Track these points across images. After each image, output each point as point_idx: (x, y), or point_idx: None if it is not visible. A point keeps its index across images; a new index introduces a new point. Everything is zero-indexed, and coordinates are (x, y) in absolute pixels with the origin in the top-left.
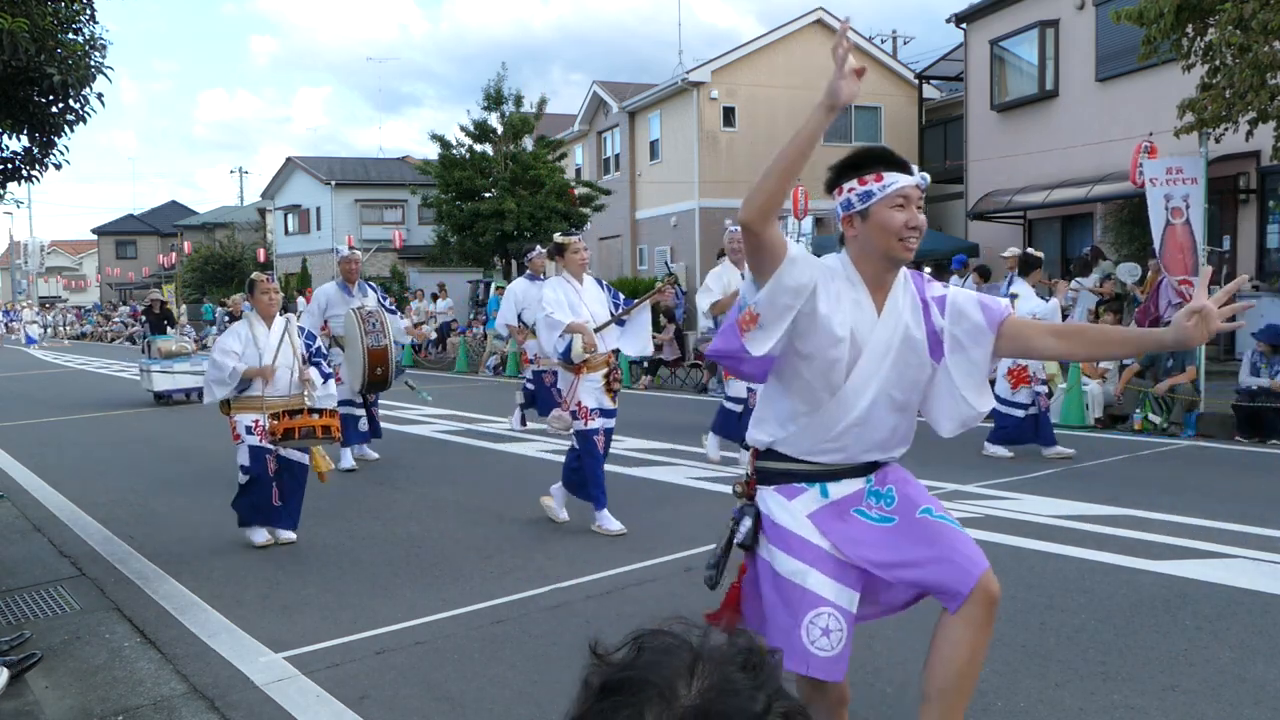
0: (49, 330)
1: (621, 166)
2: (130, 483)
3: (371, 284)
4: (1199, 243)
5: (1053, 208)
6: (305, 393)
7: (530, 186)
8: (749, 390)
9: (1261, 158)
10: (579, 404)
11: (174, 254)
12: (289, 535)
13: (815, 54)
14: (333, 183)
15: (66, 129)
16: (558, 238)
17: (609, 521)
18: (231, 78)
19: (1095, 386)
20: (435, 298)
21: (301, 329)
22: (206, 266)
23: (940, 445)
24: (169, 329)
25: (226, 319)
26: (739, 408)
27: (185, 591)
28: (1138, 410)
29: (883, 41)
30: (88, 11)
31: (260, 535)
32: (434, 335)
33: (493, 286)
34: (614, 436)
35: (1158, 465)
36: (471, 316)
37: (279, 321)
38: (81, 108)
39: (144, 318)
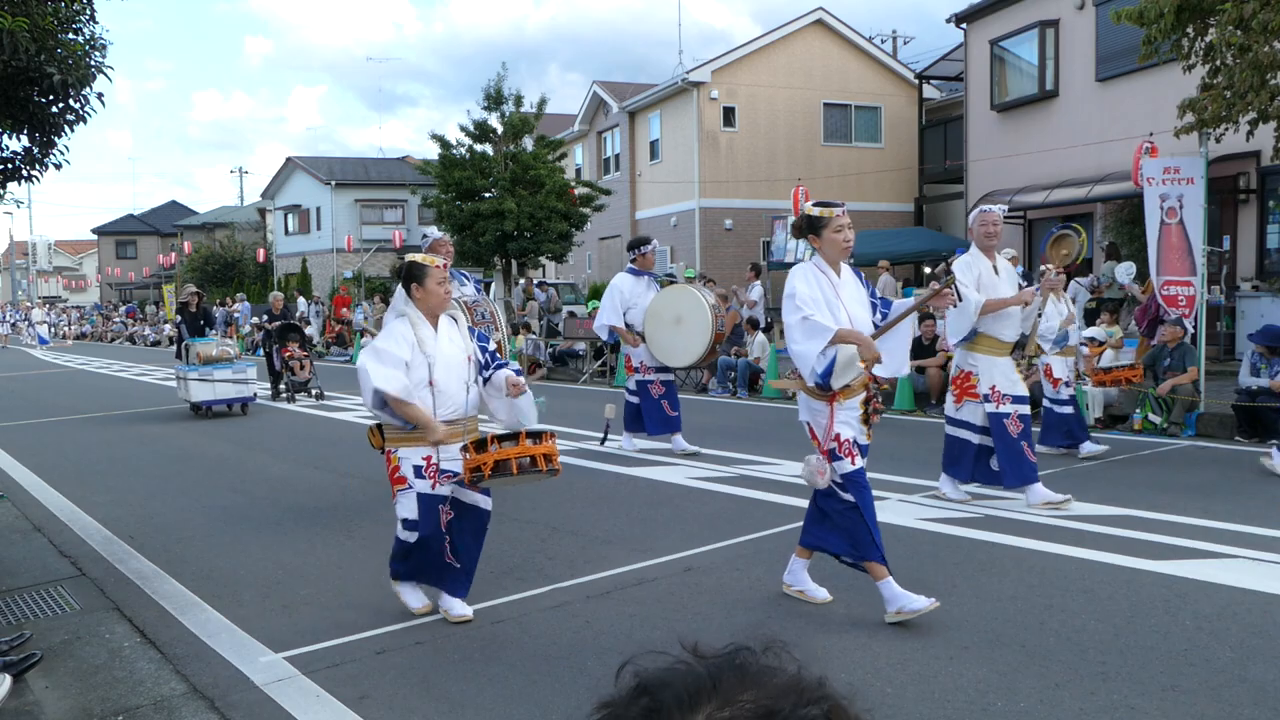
0: (53, 330)
1: (621, 166)
2: (130, 483)
3: (464, 272)
4: (1195, 243)
5: (1053, 208)
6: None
7: (530, 186)
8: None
9: (1261, 158)
10: (837, 437)
11: (174, 254)
12: (462, 609)
13: (815, 54)
14: (333, 183)
15: (66, 129)
16: (810, 208)
17: (912, 601)
18: (226, 77)
19: (1095, 387)
20: None
21: (473, 330)
22: (206, 266)
23: (939, 446)
24: (209, 331)
25: (266, 318)
26: (978, 438)
27: (185, 591)
28: (1138, 410)
29: (883, 41)
30: (88, 11)
31: (417, 598)
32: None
33: (489, 285)
34: (608, 436)
35: (1158, 465)
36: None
37: (445, 322)
38: (81, 108)
39: (179, 317)
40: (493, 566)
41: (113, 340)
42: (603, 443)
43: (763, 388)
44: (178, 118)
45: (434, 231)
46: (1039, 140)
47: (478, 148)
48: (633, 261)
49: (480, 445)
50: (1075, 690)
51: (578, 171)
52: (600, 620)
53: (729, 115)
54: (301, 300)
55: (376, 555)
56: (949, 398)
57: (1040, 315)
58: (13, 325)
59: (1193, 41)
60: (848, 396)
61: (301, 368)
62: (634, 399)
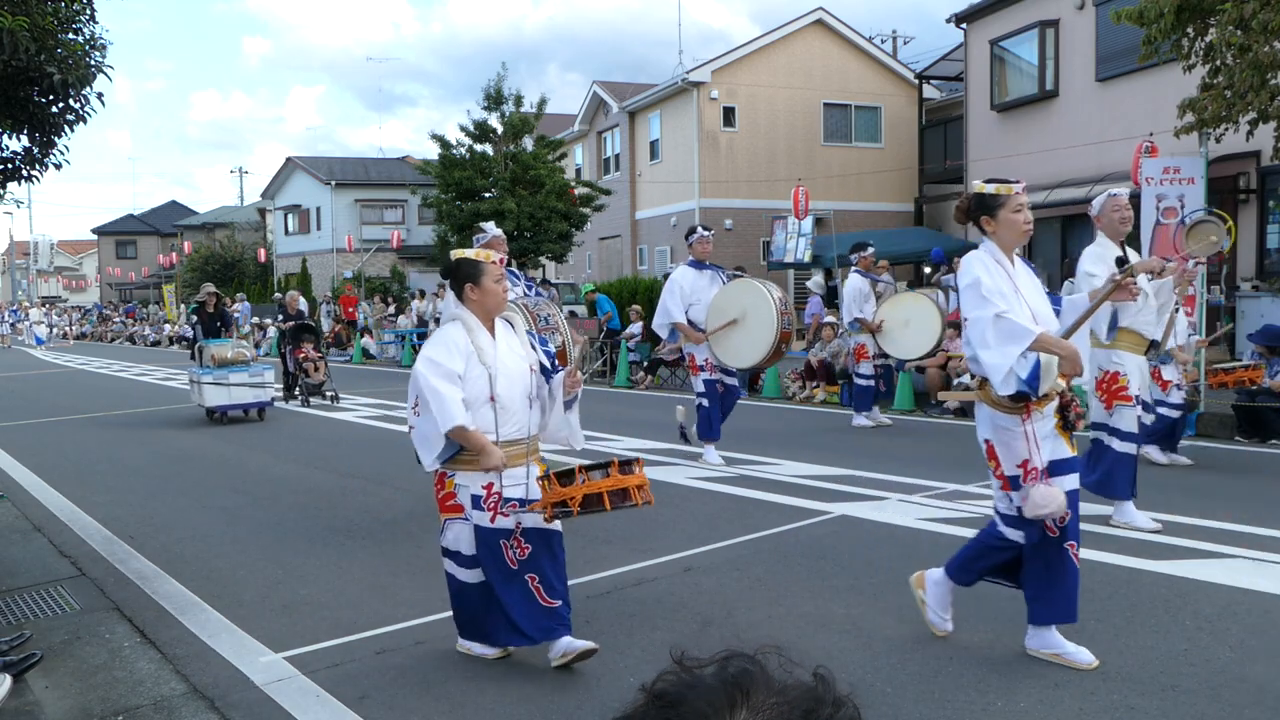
0: (54, 330)
1: (621, 166)
2: (130, 483)
3: (514, 270)
4: None
5: (1053, 208)
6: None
7: (530, 186)
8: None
9: (1261, 158)
10: (1024, 464)
11: (174, 254)
12: (584, 643)
13: (815, 54)
14: (333, 183)
15: (66, 129)
16: (982, 185)
17: (1076, 653)
18: (225, 77)
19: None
20: (437, 297)
21: (530, 333)
22: (207, 266)
23: (940, 446)
24: (225, 332)
25: (280, 318)
26: (1132, 447)
27: (185, 591)
28: None
29: (883, 41)
30: (88, 11)
31: (485, 649)
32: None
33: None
34: (609, 436)
35: (1158, 465)
36: None
37: (501, 327)
38: (81, 107)
39: (194, 318)
40: None
41: (113, 340)
42: (686, 440)
43: (762, 388)
44: (177, 118)
45: (490, 227)
46: (1039, 140)
47: (478, 148)
48: (689, 251)
49: (564, 476)
50: (1075, 690)
51: (578, 171)
52: (600, 620)
53: (729, 115)
54: (302, 300)
55: (376, 555)
56: (1097, 405)
57: (1178, 311)
58: (13, 325)
59: (1193, 41)
60: (1041, 406)
61: (316, 369)
62: (704, 401)
